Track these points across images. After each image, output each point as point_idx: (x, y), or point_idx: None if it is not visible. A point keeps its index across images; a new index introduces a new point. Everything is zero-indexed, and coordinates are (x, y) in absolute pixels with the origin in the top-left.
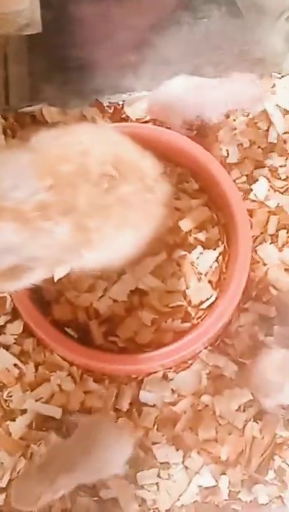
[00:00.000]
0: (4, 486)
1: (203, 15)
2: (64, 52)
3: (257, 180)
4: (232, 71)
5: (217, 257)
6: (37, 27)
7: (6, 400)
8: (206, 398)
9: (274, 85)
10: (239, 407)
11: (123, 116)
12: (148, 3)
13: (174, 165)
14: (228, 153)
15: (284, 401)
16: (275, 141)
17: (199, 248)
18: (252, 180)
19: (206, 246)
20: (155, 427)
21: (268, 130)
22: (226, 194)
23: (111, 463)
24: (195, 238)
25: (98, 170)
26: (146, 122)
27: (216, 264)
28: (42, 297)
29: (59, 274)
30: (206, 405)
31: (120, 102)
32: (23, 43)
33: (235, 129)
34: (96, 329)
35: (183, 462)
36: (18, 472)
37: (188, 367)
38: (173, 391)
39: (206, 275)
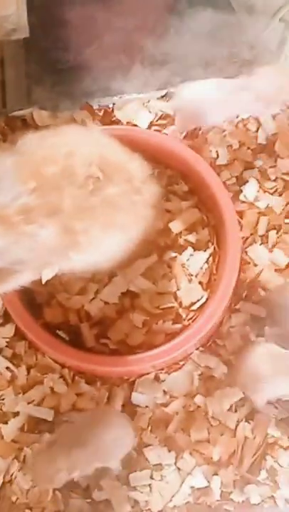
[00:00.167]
0: None
1: (189, 17)
2: (53, 55)
3: (247, 181)
4: (223, 73)
5: (207, 259)
6: (24, 32)
7: None
8: (197, 399)
9: None
10: (231, 407)
11: (113, 119)
12: (133, 5)
13: (164, 167)
14: (217, 155)
15: (273, 395)
16: (265, 143)
17: (190, 250)
18: (242, 181)
19: (196, 247)
20: (148, 428)
21: (257, 131)
22: (215, 196)
23: (120, 443)
24: (185, 240)
25: (83, 172)
26: (135, 125)
27: (206, 265)
28: (33, 300)
29: (47, 276)
30: (198, 406)
31: (110, 105)
32: (19, 47)
33: (225, 130)
34: (87, 331)
35: (175, 463)
36: (12, 475)
37: (179, 368)
38: (165, 392)
39: (196, 276)
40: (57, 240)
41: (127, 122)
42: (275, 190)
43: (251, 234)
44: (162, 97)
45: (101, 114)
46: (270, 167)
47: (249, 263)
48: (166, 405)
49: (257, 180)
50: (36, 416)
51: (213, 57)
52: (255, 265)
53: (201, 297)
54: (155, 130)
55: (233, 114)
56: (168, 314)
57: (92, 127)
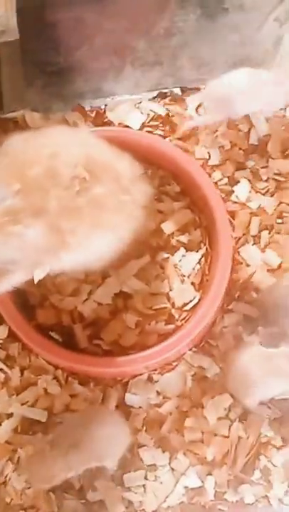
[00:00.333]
0: None
1: (179, 18)
2: (43, 57)
3: (238, 181)
4: (215, 73)
5: (199, 259)
6: (13, 33)
7: None
8: (191, 399)
9: None
10: (224, 407)
11: (105, 120)
12: (124, 7)
13: (156, 168)
14: (209, 156)
15: (264, 397)
16: (256, 143)
17: (182, 250)
18: (233, 181)
19: (188, 248)
20: (143, 428)
21: (248, 132)
22: (206, 196)
23: (115, 442)
24: (177, 240)
25: (69, 172)
26: (126, 126)
27: (198, 266)
28: (26, 301)
29: (38, 276)
30: (192, 406)
31: (102, 106)
32: (15, 48)
33: (216, 131)
34: (80, 332)
35: (169, 464)
36: (6, 476)
37: (172, 368)
38: (158, 393)
39: (189, 277)
40: (45, 239)
41: (119, 123)
42: (267, 191)
43: (243, 234)
44: (154, 98)
45: (93, 115)
46: (262, 167)
47: (241, 263)
48: (159, 406)
49: (249, 180)
50: (30, 417)
51: (205, 58)
52: (248, 265)
53: (194, 298)
54: (147, 131)
55: (266, 105)
56: (161, 315)
57: (80, 128)
